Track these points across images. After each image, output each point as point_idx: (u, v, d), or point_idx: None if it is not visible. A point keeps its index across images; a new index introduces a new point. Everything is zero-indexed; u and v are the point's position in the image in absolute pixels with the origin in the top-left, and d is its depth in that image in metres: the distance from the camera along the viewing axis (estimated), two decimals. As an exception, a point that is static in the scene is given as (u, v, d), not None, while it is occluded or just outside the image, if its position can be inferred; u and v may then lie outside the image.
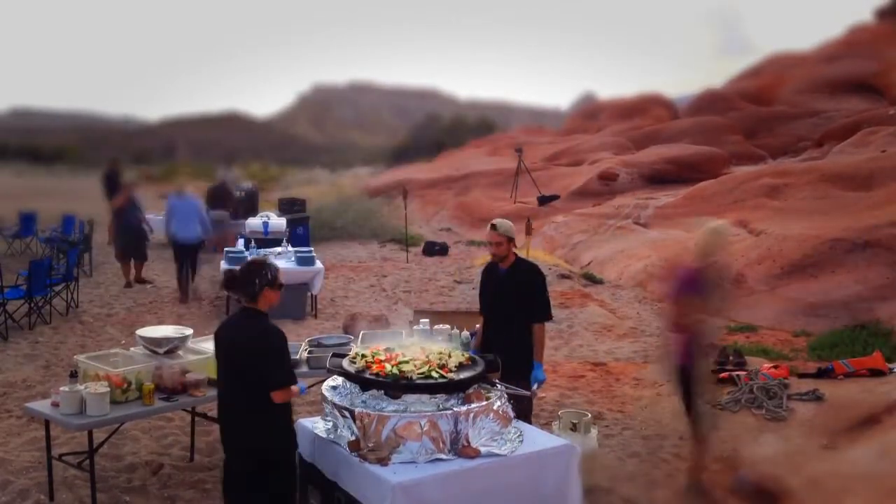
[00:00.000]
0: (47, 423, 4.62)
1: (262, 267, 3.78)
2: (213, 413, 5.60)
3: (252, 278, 3.73)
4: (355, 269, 13.60)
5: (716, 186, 15.25)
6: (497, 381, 4.12)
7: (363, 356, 4.06)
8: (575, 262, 14.03)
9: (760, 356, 7.60)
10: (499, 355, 4.28)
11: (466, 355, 4.16)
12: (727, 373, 6.77)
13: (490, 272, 5.18)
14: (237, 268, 3.94)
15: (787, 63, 28.34)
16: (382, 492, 3.44)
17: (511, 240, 4.99)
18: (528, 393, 4.60)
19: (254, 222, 11.99)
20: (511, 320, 4.94)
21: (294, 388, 3.71)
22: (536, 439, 4.01)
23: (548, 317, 5.03)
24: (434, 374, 3.84)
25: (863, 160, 13.91)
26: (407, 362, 3.92)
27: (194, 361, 4.95)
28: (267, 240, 11.30)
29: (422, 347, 4.20)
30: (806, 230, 10.93)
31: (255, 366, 3.60)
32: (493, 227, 4.96)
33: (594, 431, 5.10)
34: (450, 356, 4.06)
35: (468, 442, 3.71)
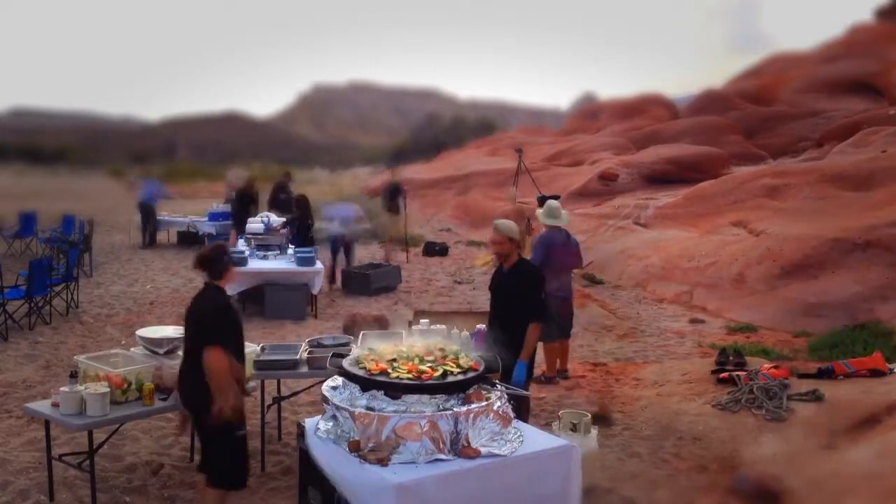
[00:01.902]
0: (47, 424, 4.62)
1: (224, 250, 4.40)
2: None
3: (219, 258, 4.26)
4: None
5: (716, 186, 15.25)
6: (497, 381, 4.13)
7: (369, 359, 4.08)
8: (575, 262, 14.02)
9: (760, 356, 7.60)
10: (500, 353, 4.30)
11: (472, 357, 4.17)
12: (727, 373, 6.77)
13: (496, 272, 5.30)
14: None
15: (787, 63, 28.37)
16: (382, 492, 3.44)
17: (512, 240, 5.08)
18: (527, 393, 4.60)
19: (253, 223, 11.98)
20: (512, 319, 4.99)
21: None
22: (536, 439, 4.01)
23: (539, 316, 5.03)
24: (451, 369, 3.91)
25: (863, 160, 13.91)
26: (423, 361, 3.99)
27: (194, 361, 4.95)
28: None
29: (426, 345, 4.23)
30: (806, 230, 10.93)
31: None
32: (495, 227, 5.09)
33: (594, 431, 5.10)
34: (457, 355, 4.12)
35: (468, 442, 3.71)
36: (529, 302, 4.99)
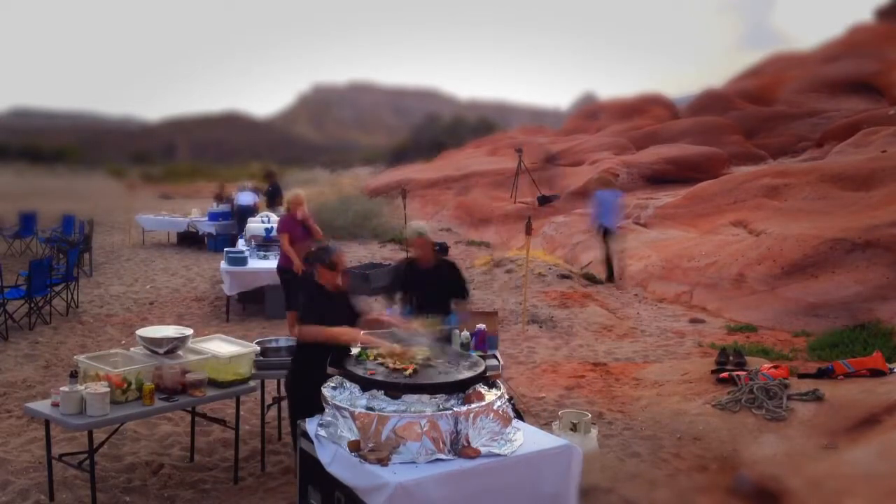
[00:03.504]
0: (47, 423, 4.62)
1: (320, 250, 4.79)
2: (213, 413, 5.62)
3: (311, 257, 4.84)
4: (355, 269, 13.58)
5: (716, 186, 15.24)
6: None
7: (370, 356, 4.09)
8: (575, 262, 14.01)
9: (760, 356, 7.60)
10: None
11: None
12: (727, 373, 6.77)
13: (412, 269, 5.97)
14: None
15: (787, 63, 28.34)
16: (383, 492, 3.44)
17: (432, 243, 6.01)
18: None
19: (254, 224, 11.98)
20: (443, 307, 5.61)
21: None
22: (536, 439, 4.02)
23: (468, 296, 6.08)
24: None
25: (863, 160, 13.90)
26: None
27: (194, 361, 4.95)
28: (268, 240, 11.27)
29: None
30: (806, 230, 10.93)
31: None
32: (418, 232, 5.93)
33: (594, 431, 5.10)
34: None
35: (468, 442, 3.71)
36: (462, 287, 5.98)
